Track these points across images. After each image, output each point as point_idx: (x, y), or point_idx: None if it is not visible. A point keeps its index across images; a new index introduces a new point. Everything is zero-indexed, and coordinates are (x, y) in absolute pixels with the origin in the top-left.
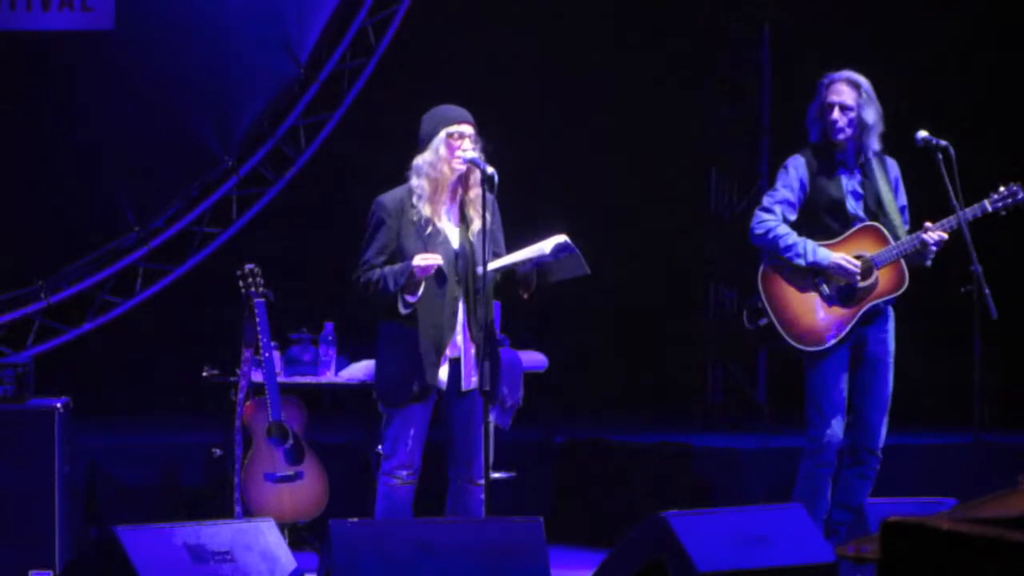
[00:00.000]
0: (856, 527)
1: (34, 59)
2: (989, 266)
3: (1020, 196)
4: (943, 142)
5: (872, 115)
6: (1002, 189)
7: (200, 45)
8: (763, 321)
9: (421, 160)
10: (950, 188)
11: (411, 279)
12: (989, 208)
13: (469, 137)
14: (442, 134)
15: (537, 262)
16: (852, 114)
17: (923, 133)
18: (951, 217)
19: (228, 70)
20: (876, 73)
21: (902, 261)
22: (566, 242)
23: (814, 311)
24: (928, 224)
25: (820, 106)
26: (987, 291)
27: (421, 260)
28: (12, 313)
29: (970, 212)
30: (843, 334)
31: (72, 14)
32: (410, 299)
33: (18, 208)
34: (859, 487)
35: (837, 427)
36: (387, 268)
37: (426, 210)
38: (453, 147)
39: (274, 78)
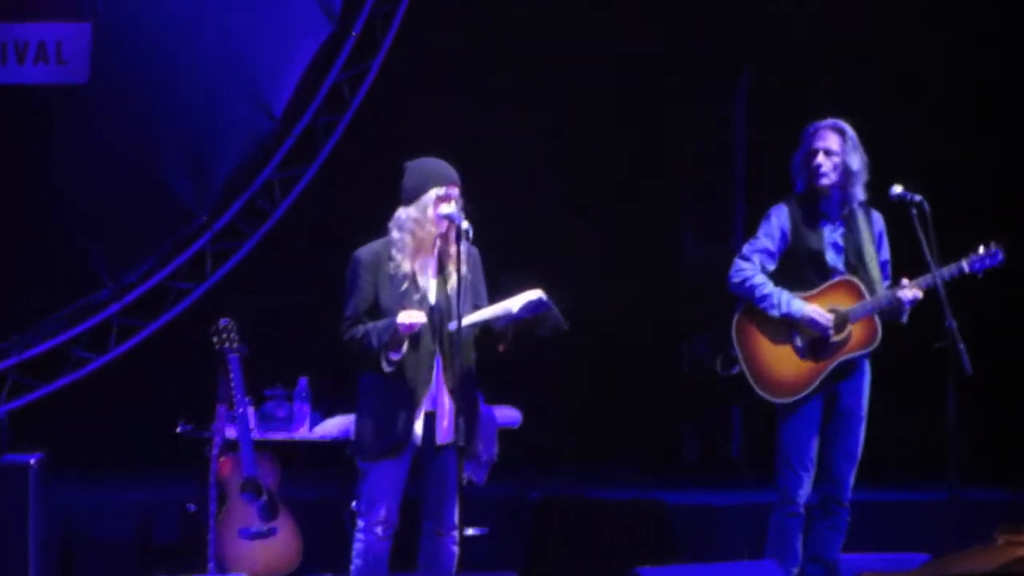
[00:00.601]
0: None
1: (8, 113)
2: (963, 320)
3: (999, 258)
4: (918, 197)
5: (857, 162)
6: (981, 249)
7: (175, 100)
8: (736, 369)
9: (405, 215)
10: (924, 243)
11: (395, 336)
12: (967, 269)
13: (455, 199)
14: (431, 194)
15: (507, 320)
16: (837, 159)
17: (898, 188)
18: (928, 275)
19: (203, 124)
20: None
21: (876, 316)
22: (540, 299)
23: (786, 362)
24: (905, 281)
25: (805, 153)
26: (961, 346)
27: (405, 317)
28: None
29: (947, 272)
30: (813, 387)
31: (47, 67)
32: (393, 356)
33: None
34: (831, 539)
35: (806, 480)
36: (371, 325)
37: (405, 265)
38: (436, 207)
39: (249, 133)
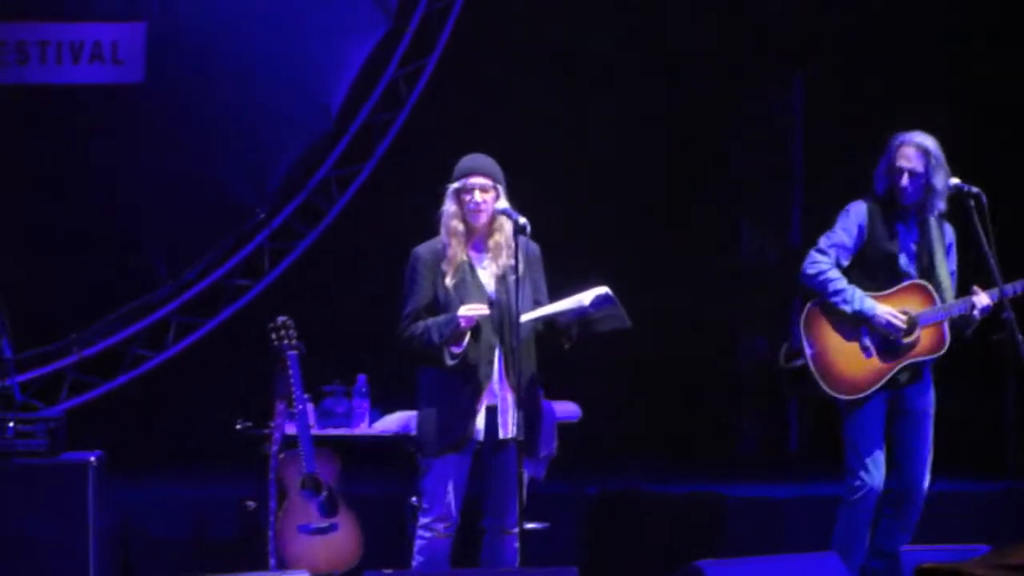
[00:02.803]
0: (891, 574)
1: (66, 113)
2: (1022, 313)
3: None
4: (975, 189)
5: (941, 181)
6: None
7: (231, 98)
8: (799, 362)
9: (443, 209)
10: (982, 235)
11: (456, 330)
12: None
13: (479, 188)
14: (451, 188)
15: (578, 313)
16: (921, 180)
17: (955, 180)
18: (995, 289)
19: (260, 122)
20: (906, 123)
21: (945, 324)
22: (607, 294)
23: (852, 359)
24: (976, 288)
25: (889, 165)
26: (1019, 338)
27: (466, 311)
28: (44, 367)
29: (1017, 287)
30: (878, 387)
31: (103, 67)
32: (455, 350)
33: (50, 262)
34: (899, 537)
35: (877, 476)
36: (431, 320)
37: (454, 259)
38: (463, 201)
39: (305, 130)
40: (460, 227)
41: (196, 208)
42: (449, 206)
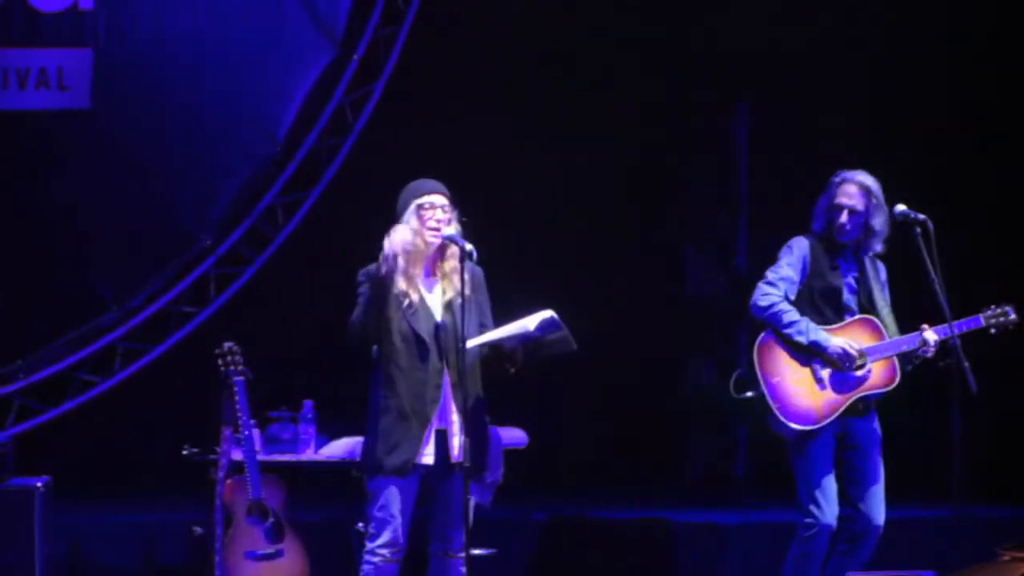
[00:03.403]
0: None
1: (9, 138)
2: (967, 339)
3: (1011, 317)
4: (921, 216)
5: (880, 221)
6: (994, 307)
7: (177, 124)
8: (749, 393)
9: (396, 233)
10: (928, 262)
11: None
12: (982, 323)
13: (441, 207)
14: (413, 206)
15: (523, 338)
16: (861, 219)
17: (901, 207)
18: (945, 325)
19: (206, 149)
20: (853, 150)
21: (895, 359)
22: (552, 318)
23: (805, 391)
24: (925, 326)
25: (829, 203)
26: (966, 365)
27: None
28: None
29: (965, 324)
30: (831, 419)
31: (48, 93)
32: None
33: None
34: (850, 565)
35: (829, 511)
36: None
37: (401, 283)
38: (424, 218)
39: (252, 156)
40: (419, 245)
41: (142, 234)
42: (410, 223)
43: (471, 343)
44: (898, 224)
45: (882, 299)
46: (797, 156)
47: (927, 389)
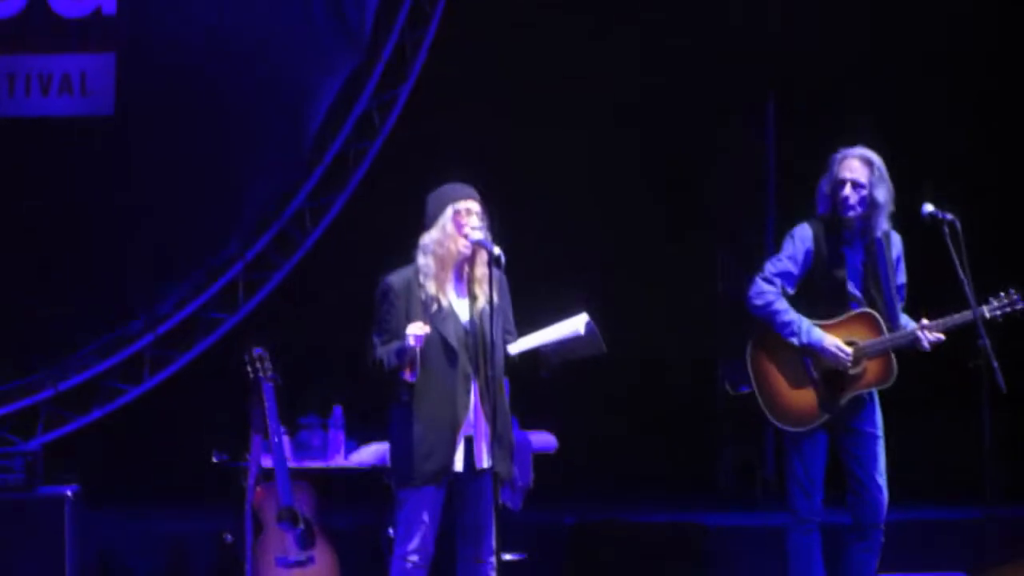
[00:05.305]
0: None
1: (35, 146)
2: (997, 338)
3: (1019, 305)
4: (949, 215)
5: (883, 194)
6: (1001, 295)
7: (204, 130)
8: (744, 388)
9: (428, 239)
10: (956, 262)
11: (405, 352)
12: (987, 315)
13: (476, 214)
14: (448, 211)
15: (567, 341)
16: (864, 192)
17: (929, 207)
18: (945, 319)
19: (231, 154)
20: (880, 145)
21: (892, 353)
22: (587, 321)
23: (799, 391)
24: (924, 322)
25: (832, 181)
26: (995, 365)
27: (412, 329)
28: (20, 402)
29: (964, 316)
30: (824, 419)
31: (72, 99)
32: (409, 379)
33: (25, 296)
34: (867, 561)
35: (818, 504)
36: (382, 349)
37: (431, 287)
38: (460, 224)
39: (279, 161)
40: (451, 250)
41: (169, 241)
42: (443, 230)
43: (515, 348)
44: (926, 224)
45: (892, 280)
46: (824, 153)
47: (957, 389)
